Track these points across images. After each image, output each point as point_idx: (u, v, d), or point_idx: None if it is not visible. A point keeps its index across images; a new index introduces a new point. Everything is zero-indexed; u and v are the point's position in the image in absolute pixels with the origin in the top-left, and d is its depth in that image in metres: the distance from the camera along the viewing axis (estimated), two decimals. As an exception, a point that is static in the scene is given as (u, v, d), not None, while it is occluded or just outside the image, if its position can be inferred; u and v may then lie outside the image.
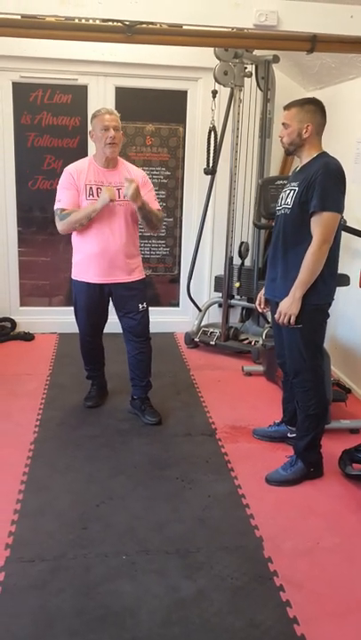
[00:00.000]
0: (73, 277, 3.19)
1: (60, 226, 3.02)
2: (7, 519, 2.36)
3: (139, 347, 3.26)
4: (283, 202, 2.64)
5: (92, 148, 4.50)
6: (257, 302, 2.96)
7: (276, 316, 2.61)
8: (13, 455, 2.84)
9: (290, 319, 2.55)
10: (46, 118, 4.49)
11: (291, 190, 2.59)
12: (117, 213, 3.02)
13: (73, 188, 2.99)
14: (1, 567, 2.09)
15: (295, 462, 2.72)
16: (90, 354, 3.43)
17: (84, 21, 2.84)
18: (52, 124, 4.51)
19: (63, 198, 3.02)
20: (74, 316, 3.31)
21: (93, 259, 3.07)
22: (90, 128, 3.04)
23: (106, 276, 3.09)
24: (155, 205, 3.12)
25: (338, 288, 2.75)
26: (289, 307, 2.55)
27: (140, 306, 3.20)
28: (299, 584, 2.07)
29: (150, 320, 4.83)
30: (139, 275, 3.19)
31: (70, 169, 3.06)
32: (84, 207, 2.98)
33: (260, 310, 2.98)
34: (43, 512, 2.43)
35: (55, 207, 3.03)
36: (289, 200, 2.58)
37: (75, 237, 3.12)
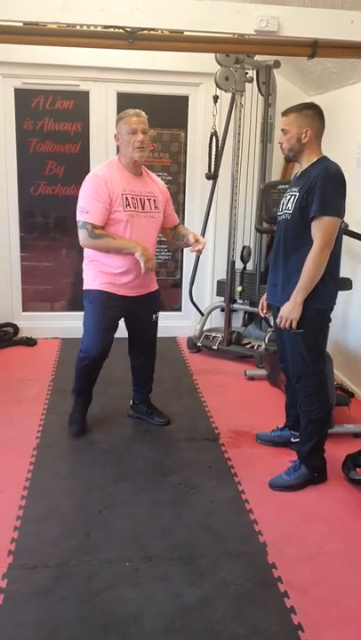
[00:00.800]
0: (101, 289, 2.88)
1: (87, 242, 2.79)
2: (10, 525, 2.36)
3: (147, 354, 3.26)
4: (284, 207, 2.64)
5: (93, 153, 4.56)
6: (259, 307, 2.96)
7: (278, 320, 2.61)
8: (16, 461, 2.84)
9: (291, 324, 2.55)
10: (48, 124, 4.50)
11: (291, 195, 2.59)
12: (152, 224, 2.92)
13: (104, 199, 2.74)
14: (3, 574, 2.08)
15: (299, 467, 2.71)
16: (94, 374, 3.14)
17: (85, 28, 2.85)
18: (53, 130, 4.52)
19: (93, 211, 2.75)
20: (82, 329, 3.02)
21: (132, 271, 2.86)
22: (115, 131, 2.86)
23: (140, 288, 2.97)
24: (176, 219, 3.13)
25: (340, 292, 2.75)
26: (290, 311, 2.54)
27: (154, 316, 3.17)
28: (303, 590, 2.06)
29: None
30: (156, 284, 3.16)
31: (101, 175, 2.80)
32: (124, 241, 2.79)
33: (262, 315, 2.99)
34: (45, 518, 2.42)
35: (81, 219, 2.77)
36: (290, 205, 2.58)
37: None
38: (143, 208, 2.86)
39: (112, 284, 2.88)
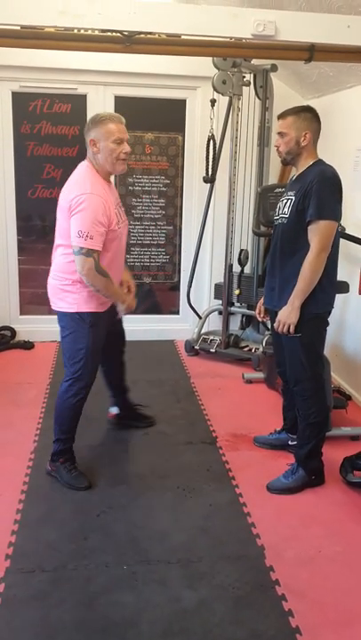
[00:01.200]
0: (87, 310, 2.58)
1: (91, 276, 2.45)
2: (7, 529, 2.35)
3: (122, 351, 3.18)
4: (280, 211, 2.64)
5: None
6: (256, 311, 2.96)
7: (276, 324, 2.61)
8: (14, 464, 2.83)
9: (289, 328, 2.55)
10: (46, 127, 4.51)
11: (288, 200, 2.59)
12: (126, 234, 2.76)
13: (104, 223, 2.46)
14: (1, 578, 2.08)
15: (296, 470, 2.71)
16: (81, 409, 2.74)
17: (82, 32, 2.86)
18: (51, 134, 4.53)
19: (97, 237, 2.44)
20: (71, 358, 2.65)
21: (116, 284, 2.69)
22: (92, 136, 2.51)
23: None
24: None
25: (338, 295, 2.76)
26: (288, 316, 2.54)
27: (117, 315, 2.89)
28: (301, 593, 2.05)
29: (150, 328, 4.89)
30: None
31: (99, 192, 2.48)
32: (118, 289, 2.66)
33: (259, 319, 2.99)
34: (43, 522, 2.42)
35: (85, 246, 2.42)
36: (286, 209, 2.58)
37: None
38: (122, 218, 2.67)
39: (104, 303, 2.65)
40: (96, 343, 2.65)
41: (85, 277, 2.48)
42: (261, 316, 2.93)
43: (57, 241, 2.61)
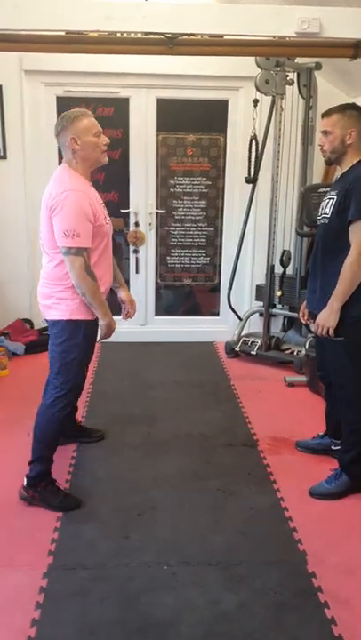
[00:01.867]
0: (81, 318, 2.46)
1: (80, 277, 2.34)
2: (50, 526, 2.39)
3: None
4: (322, 211, 2.60)
5: (133, 159, 4.60)
6: (300, 314, 2.92)
7: (314, 327, 2.57)
8: (56, 462, 2.86)
9: (328, 331, 2.50)
10: (89, 131, 4.56)
11: (330, 199, 2.55)
12: (111, 233, 2.62)
13: (91, 219, 2.37)
14: (44, 573, 2.11)
15: (340, 475, 2.66)
16: (65, 422, 2.62)
17: (125, 35, 2.89)
18: (94, 137, 4.58)
19: (85, 234, 2.33)
20: (58, 367, 2.51)
21: (107, 289, 2.62)
22: (71, 134, 2.40)
23: None
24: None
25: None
26: (326, 319, 2.50)
27: None
28: (344, 601, 2.01)
29: (190, 329, 4.90)
30: None
31: (81, 188, 2.39)
32: (105, 304, 2.48)
33: (303, 322, 2.95)
34: (85, 520, 2.44)
35: (74, 245, 2.31)
36: (328, 209, 2.54)
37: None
38: (107, 217, 2.58)
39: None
40: (88, 354, 2.55)
41: (75, 278, 2.35)
42: (305, 318, 2.89)
43: (42, 248, 2.49)
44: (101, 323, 2.49)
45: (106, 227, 2.50)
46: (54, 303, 2.47)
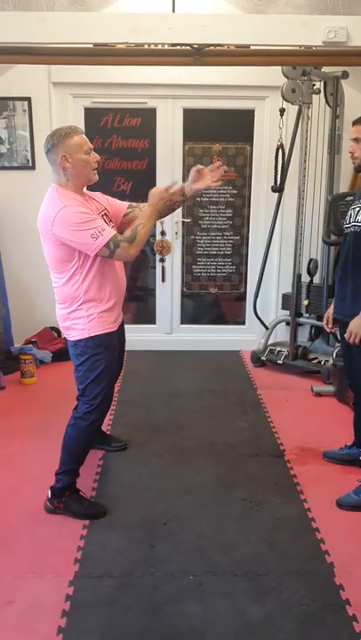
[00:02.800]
0: (100, 332, 2.45)
1: (133, 250, 2.36)
2: (76, 534, 2.40)
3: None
4: (352, 219, 2.59)
5: (160, 169, 4.63)
6: (324, 321, 2.90)
7: (346, 335, 2.54)
8: (82, 470, 2.87)
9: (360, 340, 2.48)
10: (116, 141, 4.62)
11: (360, 208, 2.54)
12: None
13: (95, 216, 2.38)
14: (70, 581, 2.12)
15: (368, 486, 2.62)
16: (96, 436, 2.68)
17: (152, 47, 2.92)
18: (121, 147, 4.64)
19: (102, 225, 2.32)
20: (86, 386, 2.50)
21: (120, 299, 2.58)
22: (62, 152, 2.37)
23: (120, 316, 2.63)
24: (124, 202, 2.71)
25: None
26: (359, 326, 2.48)
27: (125, 344, 2.86)
28: (373, 615, 1.97)
29: (216, 338, 4.89)
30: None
31: (73, 202, 2.35)
32: (147, 213, 2.45)
33: (327, 330, 2.93)
34: (110, 528, 2.45)
35: (105, 239, 2.29)
36: (359, 217, 2.53)
37: (94, 283, 2.42)
38: (109, 224, 2.53)
39: (113, 321, 2.53)
40: (112, 364, 2.55)
41: (133, 257, 2.39)
42: (330, 326, 2.87)
43: (50, 269, 2.49)
44: (157, 214, 2.49)
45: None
46: (72, 324, 2.47)
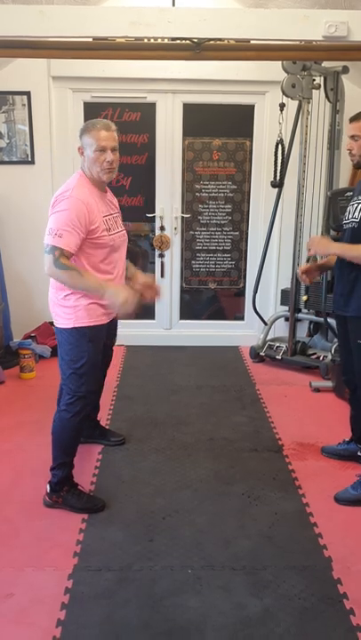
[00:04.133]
0: (86, 325, 2.45)
1: (51, 271, 2.34)
2: (76, 528, 2.41)
3: (102, 377, 2.98)
4: (350, 215, 2.59)
5: (159, 163, 4.63)
6: (299, 272, 2.87)
7: (308, 244, 2.63)
8: (81, 464, 2.89)
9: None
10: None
11: (358, 204, 2.54)
12: (124, 245, 2.64)
13: (83, 226, 2.34)
14: (69, 575, 2.13)
15: (366, 481, 2.63)
16: (82, 428, 2.65)
17: (152, 41, 2.90)
18: (121, 142, 4.54)
19: (67, 236, 2.30)
20: (68, 374, 2.52)
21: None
22: (81, 143, 2.46)
23: (112, 312, 2.60)
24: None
25: None
26: (323, 245, 2.57)
27: (115, 339, 2.90)
28: (371, 609, 1.99)
29: (215, 333, 4.89)
30: None
31: (81, 196, 2.37)
32: (91, 279, 2.37)
33: (300, 280, 2.90)
34: (110, 522, 2.46)
35: (50, 242, 2.31)
36: (357, 213, 2.53)
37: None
38: (117, 227, 2.57)
39: (106, 313, 2.52)
40: (97, 356, 2.51)
41: (49, 275, 2.39)
42: (303, 277, 2.85)
43: None
44: (107, 297, 2.36)
45: (107, 237, 2.45)
46: (60, 311, 2.48)
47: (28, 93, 4.37)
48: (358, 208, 2.52)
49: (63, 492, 2.55)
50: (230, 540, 2.34)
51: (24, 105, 4.40)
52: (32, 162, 4.50)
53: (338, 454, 3.01)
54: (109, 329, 2.68)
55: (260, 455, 3.06)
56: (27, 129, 4.45)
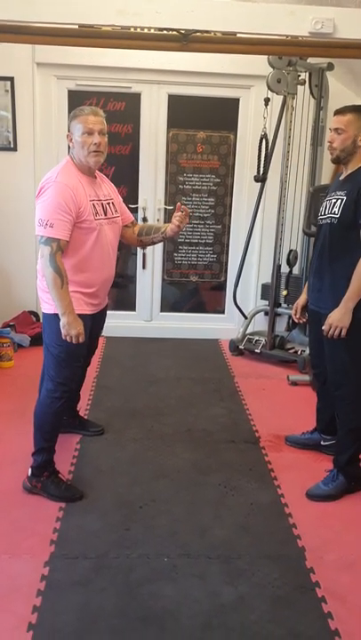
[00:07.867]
0: (85, 312, 2.51)
1: (44, 265, 2.34)
2: (52, 516, 2.42)
3: (84, 369, 2.98)
4: (328, 211, 2.60)
5: (143, 154, 4.61)
6: (293, 311, 2.93)
7: (326, 327, 2.55)
8: (59, 454, 2.88)
9: (340, 332, 2.50)
10: (100, 125, 4.58)
11: (337, 199, 2.55)
12: (115, 231, 2.64)
13: (72, 212, 2.35)
14: (45, 562, 2.14)
15: (336, 477, 2.66)
16: (63, 414, 2.66)
17: (139, 30, 2.89)
18: (105, 131, 4.59)
19: (58, 225, 2.32)
20: (49, 361, 2.55)
21: (102, 286, 2.61)
22: (69, 130, 2.49)
23: (103, 301, 2.70)
24: (131, 215, 2.84)
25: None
26: (340, 319, 2.49)
27: (101, 331, 2.88)
28: (341, 597, 2.03)
29: (195, 326, 4.91)
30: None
31: (66, 181, 2.38)
32: (67, 302, 2.36)
33: (295, 320, 2.96)
34: (87, 511, 2.47)
35: (45, 234, 2.32)
36: (336, 209, 2.54)
37: (73, 263, 2.45)
38: (106, 214, 2.54)
39: (91, 304, 2.56)
40: (80, 346, 2.46)
41: (40, 265, 2.40)
42: (298, 316, 2.90)
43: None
44: (61, 321, 2.37)
45: (95, 222, 2.46)
46: (45, 296, 2.49)
47: (11, 79, 4.32)
48: (338, 204, 2.53)
49: (43, 477, 2.56)
50: (206, 530, 2.37)
51: (7, 91, 4.34)
52: (14, 149, 4.45)
53: (302, 443, 3.06)
54: (96, 320, 2.69)
55: (237, 447, 3.09)
56: (9, 115, 4.39)
